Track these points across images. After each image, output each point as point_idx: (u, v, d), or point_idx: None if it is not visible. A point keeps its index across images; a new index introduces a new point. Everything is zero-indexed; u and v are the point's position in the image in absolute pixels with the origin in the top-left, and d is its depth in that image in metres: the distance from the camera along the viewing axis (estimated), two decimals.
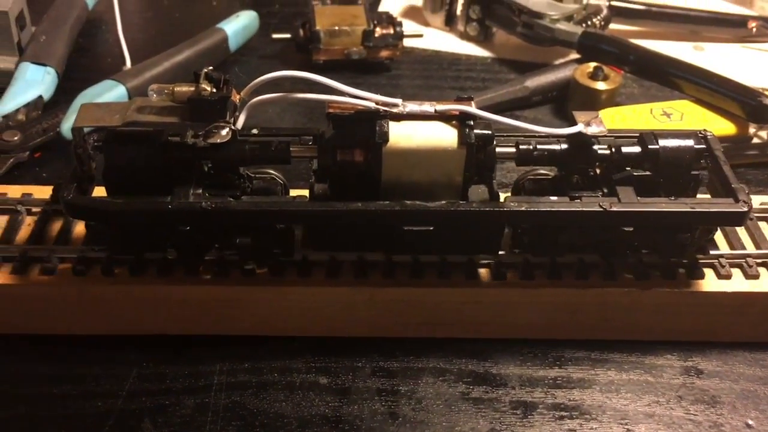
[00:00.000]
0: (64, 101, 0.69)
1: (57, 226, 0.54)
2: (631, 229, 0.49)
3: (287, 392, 0.50)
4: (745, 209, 0.48)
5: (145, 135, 0.47)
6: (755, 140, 0.69)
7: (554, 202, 0.48)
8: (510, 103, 0.74)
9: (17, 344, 0.52)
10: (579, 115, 0.50)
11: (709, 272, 0.52)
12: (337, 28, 0.79)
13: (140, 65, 0.73)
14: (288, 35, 0.81)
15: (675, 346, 0.53)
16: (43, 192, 0.56)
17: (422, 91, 0.79)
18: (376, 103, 0.47)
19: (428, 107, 0.47)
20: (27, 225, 0.54)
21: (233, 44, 0.80)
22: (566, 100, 0.75)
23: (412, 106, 0.47)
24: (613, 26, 0.84)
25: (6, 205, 0.55)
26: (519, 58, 0.83)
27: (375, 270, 0.52)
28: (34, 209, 0.55)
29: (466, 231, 0.49)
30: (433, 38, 0.87)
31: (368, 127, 0.47)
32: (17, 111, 0.69)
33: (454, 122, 0.47)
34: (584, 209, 0.48)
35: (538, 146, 0.50)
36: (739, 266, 0.52)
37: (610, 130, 0.49)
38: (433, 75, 0.81)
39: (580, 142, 0.49)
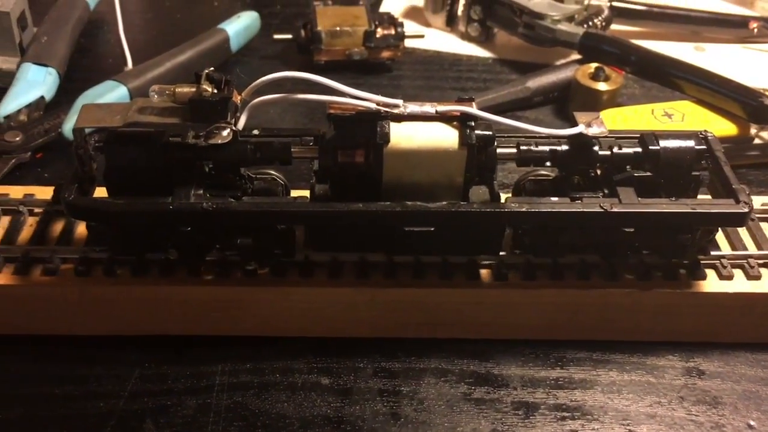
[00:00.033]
0: (66, 102, 0.69)
1: (59, 226, 0.54)
2: (632, 229, 0.49)
3: (289, 393, 0.50)
4: (746, 210, 0.48)
5: (146, 136, 0.47)
6: (756, 141, 0.70)
7: (555, 203, 0.48)
8: (511, 104, 0.74)
9: (19, 345, 0.52)
10: (580, 116, 0.50)
11: (710, 273, 0.52)
12: (338, 28, 0.79)
13: (142, 66, 0.73)
14: (289, 36, 0.81)
15: (677, 346, 0.53)
16: (45, 192, 0.56)
17: (423, 91, 0.79)
18: (377, 104, 0.47)
19: (429, 108, 0.47)
20: (29, 225, 0.54)
21: (234, 45, 0.81)
22: (567, 101, 0.75)
23: (413, 107, 0.47)
24: (614, 27, 0.84)
25: (8, 205, 0.55)
26: (520, 58, 0.83)
27: (376, 270, 0.52)
28: (36, 210, 0.55)
29: (466, 232, 0.49)
30: (435, 39, 0.87)
31: (369, 127, 0.47)
32: (19, 111, 0.69)
33: (455, 123, 0.47)
34: (585, 210, 0.48)
35: (539, 147, 0.50)
36: (741, 267, 0.52)
37: (610, 131, 0.49)
38: (435, 75, 0.81)
39: (581, 142, 0.49)
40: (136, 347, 0.52)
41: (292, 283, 0.51)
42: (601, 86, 0.73)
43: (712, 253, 0.52)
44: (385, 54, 0.80)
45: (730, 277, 0.52)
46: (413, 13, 0.91)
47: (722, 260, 0.52)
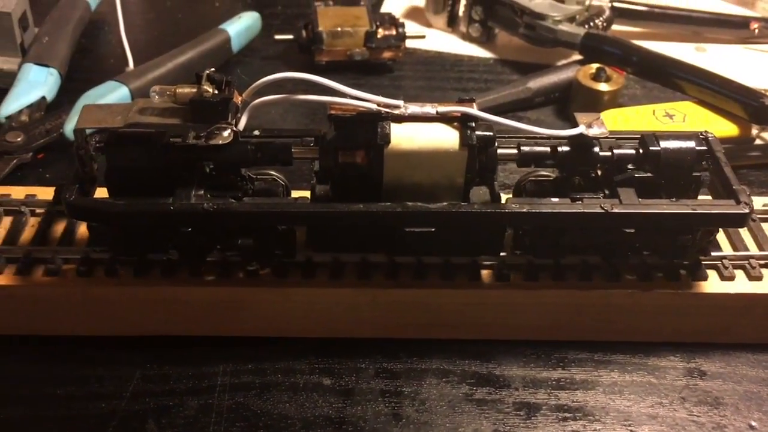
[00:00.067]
0: (67, 102, 0.69)
1: (61, 227, 0.54)
2: (633, 230, 0.49)
3: (291, 393, 0.50)
4: (746, 211, 0.48)
5: (147, 136, 0.47)
6: (758, 141, 0.70)
7: (556, 204, 0.48)
8: (512, 104, 0.74)
9: (21, 345, 0.52)
10: (580, 117, 0.50)
11: (712, 274, 0.52)
12: (339, 29, 0.79)
13: (143, 66, 0.73)
14: (290, 36, 0.81)
15: (678, 347, 0.53)
16: (47, 193, 0.56)
17: (425, 92, 0.79)
18: (378, 105, 0.47)
19: (430, 109, 0.47)
20: (31, 226, 0.54)
21: (236, 45, 0.81)
22: (569, 102, 0.75)
23: (413, 108, 0.47)
24: (615, 27, 0.84)
25: (10, 206, 0.55)
26: (521, 59, 0.83)
27: (378, 271, 0.52)
28: (38, 210, 0.55)
29: (467, 232, 0.49)
30: (436, 39, 0.87)
31: (370, 128, 0.47)
32: (20, 112, 0.69)
33: (455, 124, 0.47)
34: (585, 211, 0.48)
35: (540, 148, 0.50)
36: (742, 268, 0.52)
37: (611, 132, 0.49)
38: (436, 76, 0.81)
39: (582, 143, 0.49)
40: (137, 348, 0.52)
41: (294, 283, 0.51)
42: (603, 87, 0.73)
43: (714, 253, 0.52)
44: (387, 54, 0.80)
45: (731, 278, 0.52)
46: (414, 13, 0.91)
47: (723, 261, 0.52)
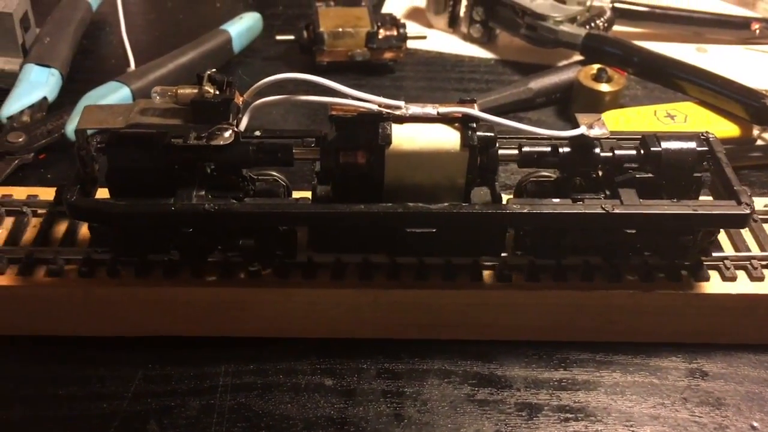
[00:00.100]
0: (69, 103, 0.69)
1: (62, 227, 0.54)
2: (634, 231, 0.49)
3: (292, 394, 0.50)
4: (747, 211, 0.48)
5: (148, 137, 0.47)
6: (759, 142, 0.70)
7: (557, 204, 0.48)
8: (513, 105, 0.74)
9: (22, 345, 0.52)
10: (581, 117, 0.50)
11: (713, 274, 0.52)
12: (340, 29, 0.79)
13: (144, 67, 0.73)
14: (292, 37, 0.81)
15: (680, 348, 0.53)
16: (49, 193, 0.56)
17: (426, 92, 0.79)
18: (379, 106, 0.47)
19: (431, 109, 0.47)
20: (32, 226, 0.54)
21: (237, 46, 0.81)
22: (570, 102, 0.75)
23: (414, 109, 0.47)
24: (616, 28, 0.84)
25: (11, 206, 0.55)
26: (522, 59, 0.83)
27: (380, 272, 0.52)
28: (40, 211, 0.55)
29: (468, 233, 0.49)
30: (437, 40, 0.87)
31: (371, 129, 0.47)
32: (22, 112, 0.69)
33: (456, 124, 0.47)
34: (586, 211, 0.48)
35: (541, 148, 0.50)
36: (744, 268, 0.52)
37: (612, 132, 0.49)
38: (437, 77, 0.81)
39: (583, 144, 0.49)
40: (139, 348, 0.52)
41: (296, 284, 0.51)
42: (604, 87, 0.72)
43: (716, 254, 0.52)
44: (388, 55, 0.80)
45: (733, 279, 0.52)
46: (415, 14, 0.91)
47: (725, 261, 0.52)
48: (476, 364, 0.52)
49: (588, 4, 0.81)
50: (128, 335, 0.53)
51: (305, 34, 0.80)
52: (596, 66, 0.74)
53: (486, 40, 0.86)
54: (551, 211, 0.47)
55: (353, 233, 0.50)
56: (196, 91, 0.47)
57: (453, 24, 0.88)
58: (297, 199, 0.49)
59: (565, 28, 0.78)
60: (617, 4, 0.84)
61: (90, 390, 0.50)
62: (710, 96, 0.70)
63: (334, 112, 0.48)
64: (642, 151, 0.50)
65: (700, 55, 0.84)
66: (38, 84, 0.71)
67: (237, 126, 0.47)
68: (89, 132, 0.49)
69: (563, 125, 0.73)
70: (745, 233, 0.54)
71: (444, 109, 0.47)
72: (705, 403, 0.50)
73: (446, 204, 0.47)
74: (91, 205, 0.48)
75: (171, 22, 0.90)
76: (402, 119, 0.47)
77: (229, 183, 0.49)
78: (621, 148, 0.50)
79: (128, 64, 0.78)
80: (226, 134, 0.47)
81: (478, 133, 0.47)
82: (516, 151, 0.50)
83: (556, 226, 0.49)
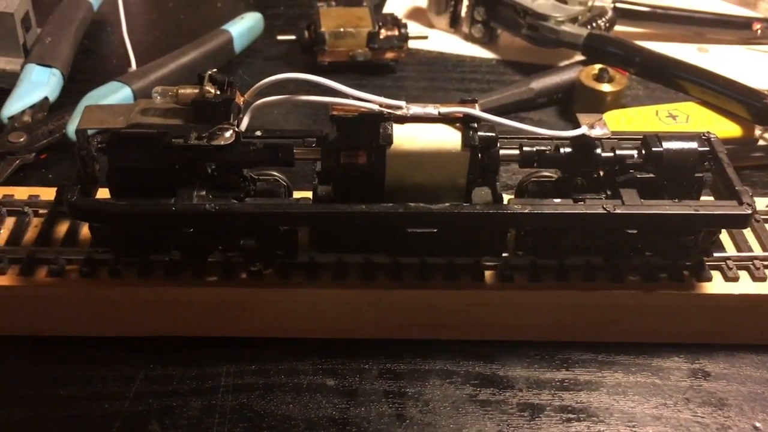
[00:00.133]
0: (70, 103, 0.69)
1: (64, 227, 0.54)
2: (635, 231, 0.49)
3: (294, 394, 0.50)
4: (749, 212, 0.48)
5: (148, 137, 0.47)
6: (761, 142, 0.69)
7: (558, 205, 0.48)
8: (515, 105, 0.74)
9: (23, 346, 0.52)
10: (583, 118, 0.50)
11: (716, 274, 0.52)
12: (342, 29, 0.79)
13: (146, 67, 0.73)
14: (293, 37, 0.81)
15: (682, 348, 0.53)
16: (50, 194, 0.56)
17: (427, 92, 0.79)
18: (380, 106, 0.47)
19: (432, 109, 0.47)
20: (34, 227, 0.54)
21: (238, 46, 0.81)
22: (571, 102, 0.75)
23: (415, 109, 0.47)
24: (617, 28, 0.84)
25: (13, 206, 0.55)
26: (524, 59, 0.83)
27: (381, 272, 0.51)
28: (41, 211, 0.55)
29: (469, 233, 0.49)
30: (438, 40, 0.87)
31: (372, 129, 0.47)
32: (23, 112, 0.69)
33: (457, 124, 0.47)
34: (588, 211, 0.47)
35: (542, 148, 0.50)
36: (746, 268, 0.52)
37: (613, 132, 0.49)
38: (438, 77, 0.81)
39: (584, 144, 0.49)
40: (140, 348, 0.52)
41: (297, 284, 0.51)
42: (605, 87, 0.72)
43: (718, 254, 0.52)
44: (389, 55, 0.80)
45: (735, 279, 0.52)
46: (417, 14, 0.91)
47: (727, 262, 0.52)
48: (478, 365, 0.52)
49: (589, 4, 0.81)
50: (129, 335, 0.52)
51: (306, 34, 0.80)
52: (598, 66, 0.74)
53: (487, 40, 0.86)
54: (552, 212, 0.47)
55: (354, 233, 0.50)
56: (197, 91, 0.47)
57: (454, 24, 0.88)
58: (298, 199, 0.49)
59: (567, 28, 0.78)
60: (619, 4, 0.84)
61: (91, 390, 0.50)
62: (712, 96, 0.70)
63: (335, 112, 0.47)
64: (643, 151, 0.49)
65: (702, 55, 0.84)
66: (39, 84, 0.71)
67: (238, 126, 0.47)
68: (90, 132, 0.49)
69: (565, 125, 0.73)
70: (748, 233, 0.54)
71: (445, 109, 0.47)
72: (707, 403, 0.50)
73: (447, 204, 0.47)
74: (91, 205, 0.48)
75: (172, 22, 0.90)
76: (403, 119, 0.47)
77: (230, 183, 0.49)
78: (622, 148, 0.50)
79: (129, 64, 0.78)
80: (227, 134, 0.47)
81: (480, 133, 0.47)
82: (517, 151, 0.50)
83: (557, 226, 0.49)
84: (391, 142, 0.47)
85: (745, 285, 0.52)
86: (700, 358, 0.53)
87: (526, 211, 0.47)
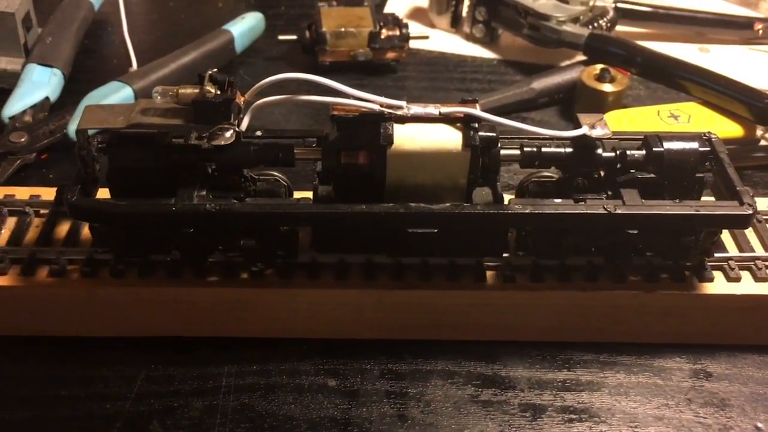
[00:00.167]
0: (71, 102, 0.69)
1: (65, 227, 0.54)
2: (636, 231, 0.49)
3: (296, 394, 0.50)
4: (750, 212, 0.48)
5: (149, 137, 0.47)
6: (762, 142, 0.69)
7: (558, 205, 0.48)
8: (516, 105, 0.74)
9: (25, 346, 0.52)
10: (583, 118, 0.50)
11: (718, 275, 0.52)
12: (343, 29, 0.79)
13: (147, 67, 0.73)
14: (294, 37, 0.81)
15: (684, 348, 0.53)
16: (51, 194, 0.56)
17: (428, 92, 0.78)
18: (381, 106, 0.47)
19: (432, 109, 0.47)
20: (35, 227, 0.54)
21: (239, 46, 0.80)
22: (573, 102, 0.75)
23: (416, 109, 0.47)
24: (619, 28, 0.84)
25: (14, 206, 0.55)
26: (525, 59, 0.83)
27: (383, 272, 0.51)
28: (42, 211, 0.55)
29: (470, 233, 0.49)
30: (439, 40, 0.87)
31: (373, 129, 0.47)
32: (24, 112, 0.69)
33: (458, 124, 0.47)
34: (588, 212, 0.47)
35: (543, 149, 0.49)
36: (748, 269, 0.52)
37: (614, 133, 0.49)
38: (439, 77, 0.81)
39: (585, 144, 0.49)
40: (142, 348, 0.52)
41: (299, 284, 0.51)
42: (607, 87, 0.72)
43: (720, 255, 0.52)
44: (390, 55, 0.80)
45: (737, 279, 0.51)
46: (418, 14, 0.91)
47: (730, 262, 0.52)
48: (480, 365, 0.52)
49: (591, 4, 0.80)
50: (131, 335, 0.52)
51: (308, 34, 0.80)
52: (599, 66, 0.73)
53: (488, 40, 0.86)
54: (553, 212, 0.47)
55: (355, 233, 0.50)
56: (197, 91, 0.47)
57: (455, 24, 0.88)
58: (298, 200, 0.49)
59: (568, 28, 0.78)
60: (620, 4, 0.84)
61: (93, 390, 0.50)
62: (713, 96, 0.70)
63: (335, 112, 0.47)
64: (644, 152, 0.49)
65: (703, 55, 0.84)
66: (40, 84, 0.72)
67: (238, 126, 0.47)
68: (90, 132, 0.48)
69: (566, 125, 0.73)
70: (750, 234, 0.54)
71: (446, 109, 0.47)
72: (709, 403, 0.50)
73: (448, 204, 0.47)
74: (91, 205, 0.48)
75: (173, 22, 0.90)
76: (404, 119, 0.47)
77: (230, 183, 0.49)
78: (623, 148, 0.50)
79: (130, 64, 0.78)
80: (227, 134, 0.47)
81: (480, 133, 0.47)
82: (518, 152, 0.50)
83: (558, 226, 0.49)
84: (392, 142, 0.47)
85: (747, 285, 0.51)
86: (702, 359, 0.53)
87: (527, 211, 0.47)
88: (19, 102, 0.70)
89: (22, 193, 0.56)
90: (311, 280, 0.51)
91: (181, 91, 0.47)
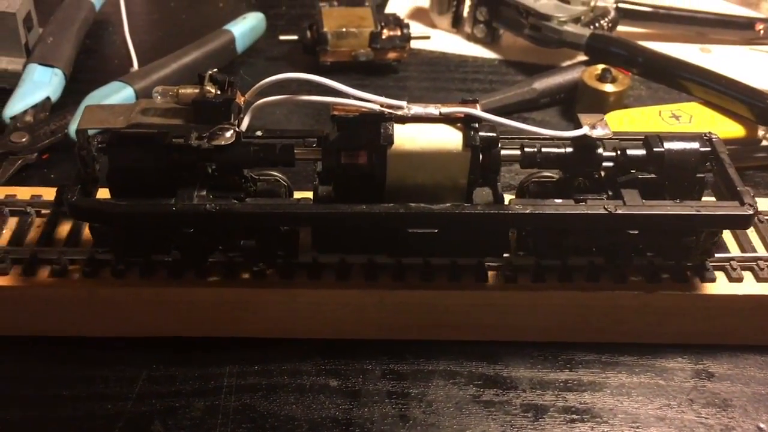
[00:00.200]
0: (72, 103, 0.69)
1: (66, 227, 0.54)
2: (636, 231, 0.49)
3: (297, 395, 0.50)
4: (751, 212, 0.47)
5: (149, 137, 0.47)
6: (764, 143, 0.69)
7: (559, 205, 0.48)
8: (517, 105, 0.74)
9: (26, 346, 0.52)
10: (584, 118, 0.50)
11: (720, 275, 0.52)
12: (344, 29, 0.79)
13: (148, 67, 0.73)
14: (295, 37, 0.81)
15: (686, 349, 0.53)
16: (52, 194, 0.55)
17: (429, 93, 0.78)
18: (381, 106, 0.47)
19: (433, 110, 0.47)
20: (36, 227, 0.54)
21: (240, 46, 0.80)
22: (574, 103, 0.75)
23: (416, 109, 0.47)
24: (620, 28, 0.84)
25: (15, 206, 0.55)
26: (526, 60, 0.83)
27: (385, 272, 0.51)
28: (43, 211, 0.55)
29: (470, 233, 0.49)
30: (440, 40, 0.87)
31: (373, 129, 0.47)
32: (25, 112, 0.69)
33: (458, 125, 0.47)
34: (589, 212, 0.47)
35: (543, 149, 0.49)
36: (750, 269, 0.52)
37: (615, 133, 0.49)
38: (440, 77, 0.81)
39: (585, 144, 0.49)
40: (143, 349, 0.52)
41: (300, 284, 0.51)
42: (608, 88, 0.72)
43: (722, 255, 0.52)
44: (391, 55, 0.80)
45: (739, 279, 0.51)
46: (419, 14, 0.91)
47: (731, 262, 0.52)
48: (481, 365, 0.52)
49: (592, 4, 0.80)
50: (132, 336, 0.52)
51: (309, 34, 0.80)
52: (600, 66, 0.73)
53: (490, 40, 0.86)
54: (553, 212, 0.47)
55: (355, 234, 0.50)
56: (197, 91, 0.47)
57: (456, 24, 0.87)
58: (298, 200, 0.49)
59: (569, 28, 0.78)
60: (621, 5, 0.84)
61: (94, 391, 0.50)
62: (715, 96, 0.70)
63: (335, 112, 0.47)
64: (645, 152, 0.49)
65: (704, 55, 0.84)
66: (41, 84, 0.72)
67: (238, 126, 0.47)
68: (90, 132, 0.48)
69: (567, 125, 0.73)
70: (752, 234, 0.54)
71: (446, 109, 0.47)
72: (711, 404, 0.50)
73: (448, 204, 0.47)
74: (91, 205, 0.48)
75: (174, 22, 0.90)
76: (404, 119, 0.47)
77: (231, 183, 0.49)
78: (624, 148, 0.49)
79: (131, 64, 0.78)
80: (228, 134, 0.47)
81: (480, 134, 0.47)
82: (518, 152, 0.50)
83: (559, 226, 0.49)
84: (392, 142, 0.47)
85: (749, 286, 0.51)
86: (703, 359, 0.52)
87: (527, 211, 0.47)
88: (21, 102, 0.70)
89: (23, 193, 0.56)
90: (312, 280, 0.51)
91: (182, 91, 0.47)
